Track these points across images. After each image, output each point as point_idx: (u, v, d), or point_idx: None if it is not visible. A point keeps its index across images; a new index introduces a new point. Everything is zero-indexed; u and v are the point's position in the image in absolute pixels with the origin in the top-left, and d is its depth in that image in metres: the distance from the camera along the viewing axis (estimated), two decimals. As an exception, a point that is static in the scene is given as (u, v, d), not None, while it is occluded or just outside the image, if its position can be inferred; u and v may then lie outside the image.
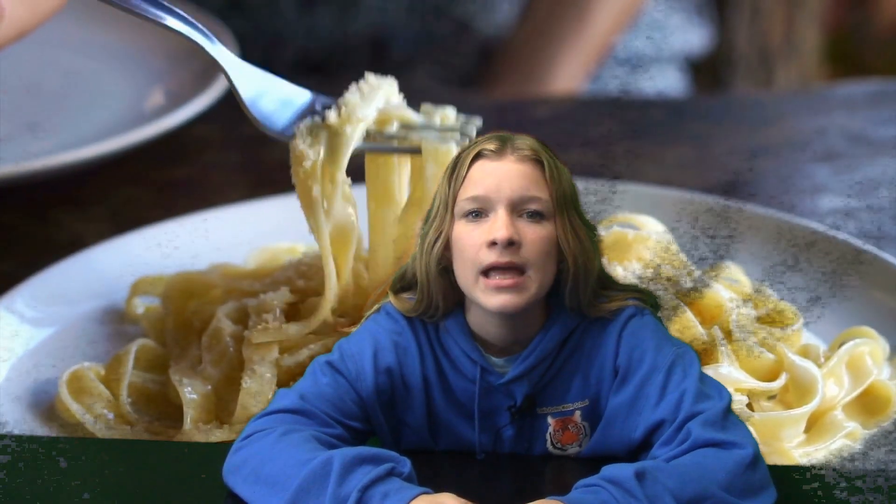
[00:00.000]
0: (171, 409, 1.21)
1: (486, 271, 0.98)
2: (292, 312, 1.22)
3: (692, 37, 2.48)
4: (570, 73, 2.28)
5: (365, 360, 1.03)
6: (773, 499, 0.95)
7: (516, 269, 0.98)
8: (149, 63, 1.89)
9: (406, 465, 0.95)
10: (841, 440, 1.12)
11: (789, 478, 1.02)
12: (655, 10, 2.40)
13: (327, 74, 2.24)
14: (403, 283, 1.04)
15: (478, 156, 1.01)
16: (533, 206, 0.99)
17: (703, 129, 1.87)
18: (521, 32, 2.30)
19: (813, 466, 1.06)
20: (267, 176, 1.75)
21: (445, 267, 1.01)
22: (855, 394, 1.17)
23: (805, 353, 1.20)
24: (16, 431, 1.16)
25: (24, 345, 1.27)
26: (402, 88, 2.05)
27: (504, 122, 1.94)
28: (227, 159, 1.83)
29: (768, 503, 0.95)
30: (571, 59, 2.28)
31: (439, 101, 2.02)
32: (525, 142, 1.01)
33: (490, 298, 0.98)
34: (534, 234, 0.99)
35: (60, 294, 1.34)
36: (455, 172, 1.01)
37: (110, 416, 1.20)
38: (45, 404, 1.21)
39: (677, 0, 2.46)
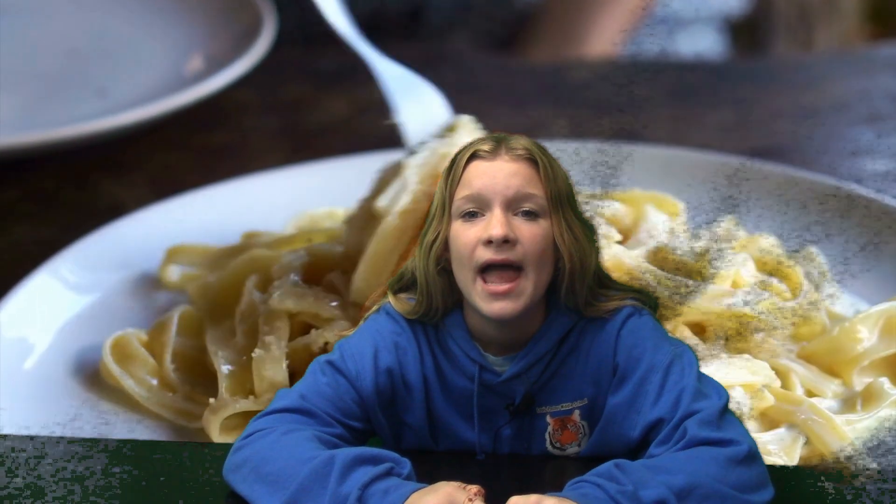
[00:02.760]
0: (210, 377, 1.21)
1: (484, 271, 0.98)
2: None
3: (731, -4, 2.48)
4: (607, 36, 2.27)
5: (365, 360, 1.03)
6: (770, 496, 0.95)
7: (512, 267, 0.98)
8: (187, 28, 1.89)
9: (406, 465, 0.96)
10: (886, 409, 1.11)
11: (788, 477, 1.01)
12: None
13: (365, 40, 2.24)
14: (402, 284, 1.04)
15: (473, 156, 1.01)
16: (528, 205, 0.99)
17: (743, 92, 1.86)
18: None
19: (812, 466, 1.06)
20: (306, 140, 1.76)
21: (444, 267, 1.01)
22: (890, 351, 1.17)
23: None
24: (61, 398, 1.17)
25: (68, 310, 1.29)
26: (437, 54, 2.06)
27: (541, 86, 1.96)
28: (265, 124, 1.84)
29: (765, 499, 0.94)
30: (609, 21, 2.28)
31: (476, 65, 2.04)
32: (519, 142, 1.01)
33: (487, 305, 0.98)
34: (529, 232, 0.99)
35: (103, 260, 1.35)
36: (451, 173, 1.01)
37: (154, 381, 1.21)
38: (90, 369, 1.22)
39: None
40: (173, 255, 1.36)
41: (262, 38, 1.78)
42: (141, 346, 1.23)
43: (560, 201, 1.00)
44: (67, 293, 1.30)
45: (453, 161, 1.01)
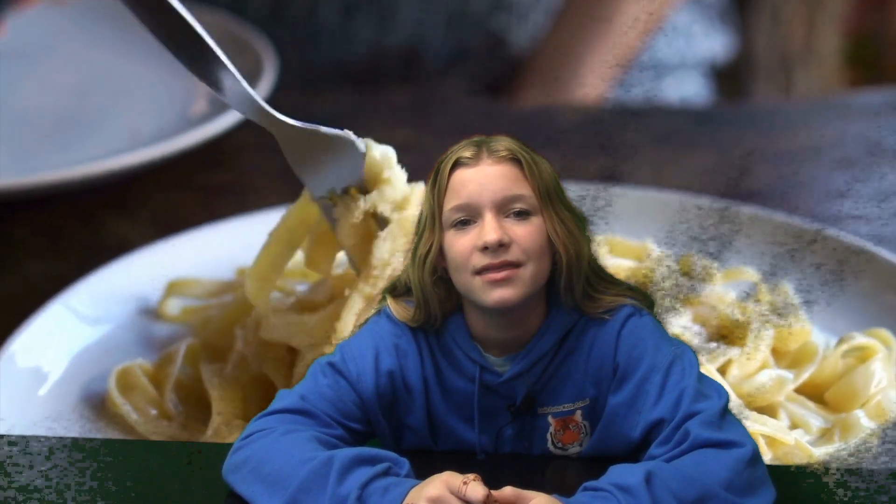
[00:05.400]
0: (208, 407, 1.24)
1: (482, 271, 0.98)
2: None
3: (715, 43, 2.51)
4: (594, 81, 2.31)
5: (366, 362, 1.02)
6: (773, 497, 0.95)
7: (510, 265, 0.98)
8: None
9: (404, 465, 0.96)
10: (860, 441, 1.16)
11: (788, 477, 1.01)
12: (679, 17, 2.43)
13: (362, 84, 2.28)
14: (396, 294, 1.04)
15: (456, 164, 1.00)
16: (518, 205, 0.99)
17: (724, 137, 1.91)
18: (548, 41, 2.33)
19: (812, 466, 1.07)
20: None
21: (441, 276, 1.01)
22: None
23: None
24: (72, 424, 1.22)
25: (81, 341, 1.33)
26: (429, 97, 2.11)
27: (530, 129, 2.00)
28: (266, 164, 1.85)
29: (768, 501, 0.94)
30: (596, 67, 2.31)
31: (466, 108, 2.09)
32: (501, 143, 1.00)
33: (487, 295, 0.98)
34: (523, 232, 0.98)
35: (114, 294, 1.40)
36: (436, 184, 1.00)
37: (153, 411, 1.25)
38: (97, 398, 1.27)
39: (700, 7, 2.50)
40: (173, 288, 1.41)
41: (263, 82, 1.83)
42: (145, 376, 1.28)
43: (549, 196, 0.99)
44: (80, 325, 1.35)
45: (437, 171, 1.01)
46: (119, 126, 1.84)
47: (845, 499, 0.99)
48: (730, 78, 2.68)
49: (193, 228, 1.51)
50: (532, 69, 2.32)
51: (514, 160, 1.00)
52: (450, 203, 1.00)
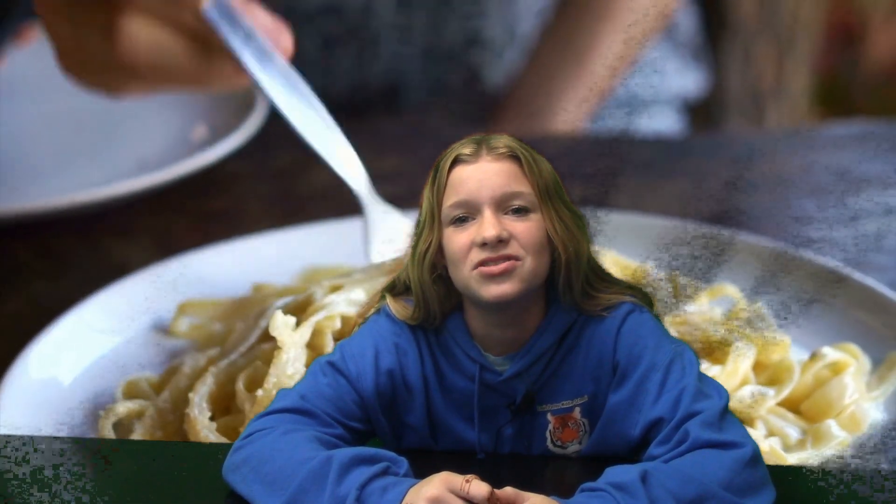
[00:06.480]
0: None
1: (479, 265, 0.98)
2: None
3: (688, 80, 2.56)
4: (570, 114, 2.35)
5: (366, 361, 1.02)
6: (773, 497, 0.94)
7: (509, 258, 0.97)
8: (192, 99, 1.98)
9: (403, 464, 0.95)
10: (831, 450, 1.19)
11: (789, 478, 1.01)
12: (653, 55, 2.49)
13: (342, 115, 2.33)
14: (395, 292, 1.04)
15: (455, 161, 0.99)
16: (517, 202, 0.98)
17: (698, 165, 1.96)
18: (523, 78, 2.37)
19: (813, 467, 1.09)
20: (298, 206, 1.85)
21: (440, 275, 1.01)
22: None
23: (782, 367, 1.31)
24: (80, 431, 1.26)
25: (91, 354, 1.38)
26: (417, 127, 2.15)
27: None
28: (260, 191, 1.92)
29: (768, 501, 0.94)
30: (571, 101, 2.35)
31: (453, 138, 2.13)
32: (500, 140, 1.00)
33: (485, 289, 0.97)
34: (522, 227, 0.98)
35: (124, 309, 1.44)
36: (436, 182, 1.00)
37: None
38: (104, 408, 1.30)
39: (673, 45, 2.56)
40: (184, 309, 1.46)
41: (258, 110, 1.87)
42: (150, 387, 1.33)
43: (548, 194, 0.99)
44: (91, 338, 1.40)
45: (436, 169, 1.00)
46: (122, 154, 1.88)
47: (846, 500, 0.99)
48: (702, 114, 2.74)
49: (192, 250, 1.55)
50: (508, 105, 2.36)
51: (514, 157, 0.99)
52: (449, 200, 0.99)
